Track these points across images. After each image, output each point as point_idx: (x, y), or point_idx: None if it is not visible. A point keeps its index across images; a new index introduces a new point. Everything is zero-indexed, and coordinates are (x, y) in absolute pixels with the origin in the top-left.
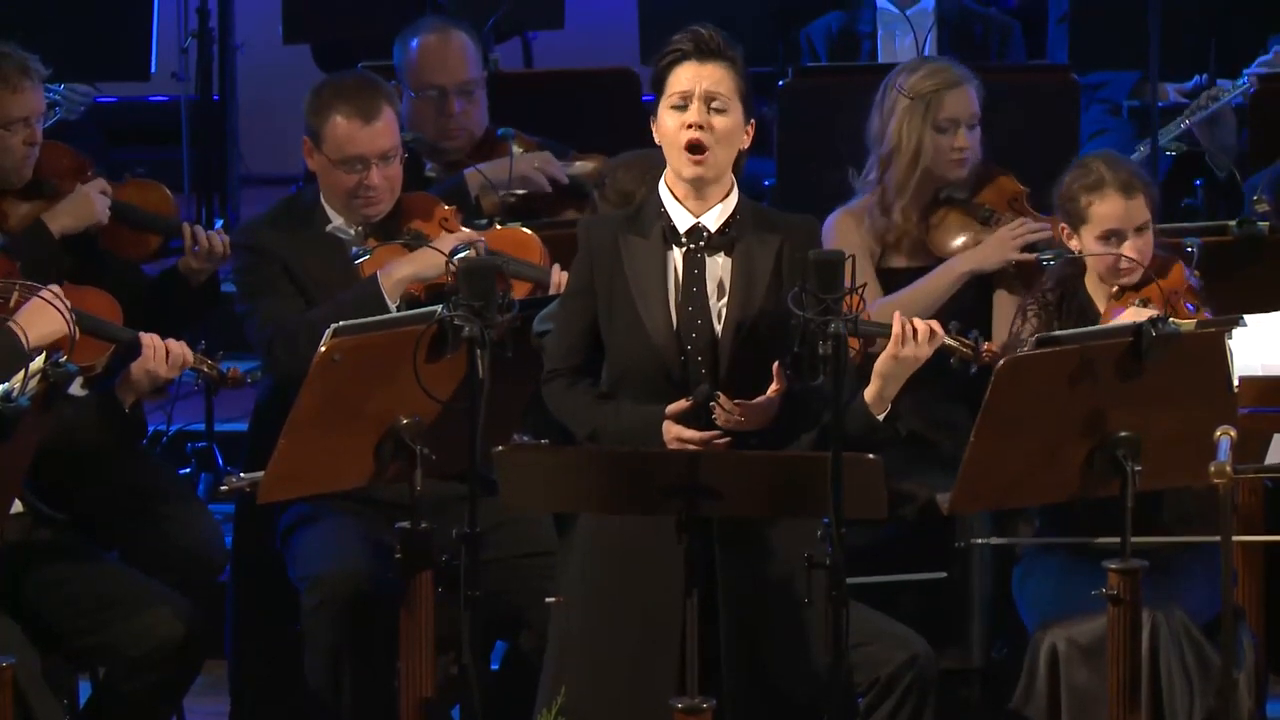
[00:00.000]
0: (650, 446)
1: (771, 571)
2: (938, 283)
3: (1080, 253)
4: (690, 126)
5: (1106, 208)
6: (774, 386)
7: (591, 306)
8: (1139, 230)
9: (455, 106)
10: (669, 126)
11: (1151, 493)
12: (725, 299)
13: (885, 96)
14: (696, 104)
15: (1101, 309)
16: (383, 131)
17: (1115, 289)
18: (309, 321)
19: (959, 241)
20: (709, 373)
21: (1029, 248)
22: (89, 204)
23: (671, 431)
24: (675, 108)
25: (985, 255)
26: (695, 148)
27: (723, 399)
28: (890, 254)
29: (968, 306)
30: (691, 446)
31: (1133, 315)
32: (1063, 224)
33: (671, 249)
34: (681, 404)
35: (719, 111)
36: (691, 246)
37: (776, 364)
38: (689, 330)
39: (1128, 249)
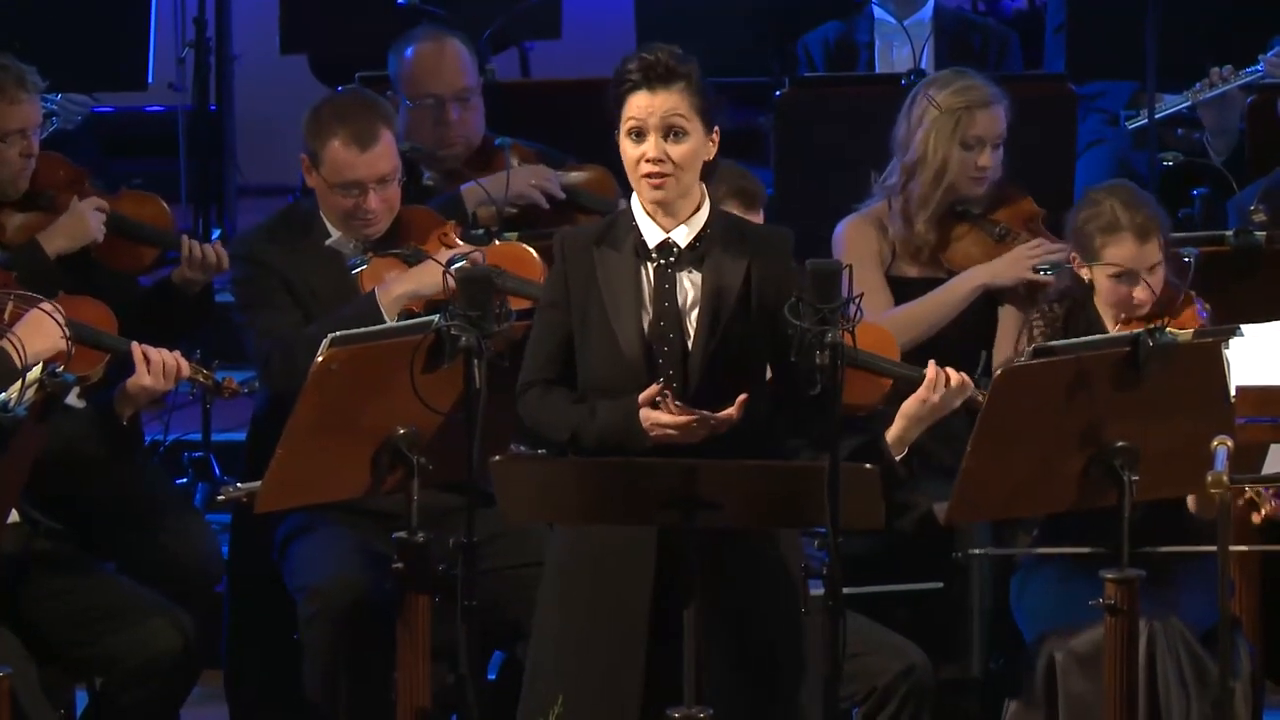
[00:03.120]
0: (631, 439)
1: (769, 582)
2: (950, 295)
3: (1092, 283)
4: (649, 160)
5: (1121, 252)
6: (728, 411)
7: (567, 319)
8: (1151, 270)
9: (452, 114)
10: (628, 154)
11: (1149, 502)
12: (696, 312)
13: (915, 105)
14: (653, 136)
15: (1110, 328)
16: (380, 156)
17: (1121, 318)
18: (307, 337)
19: (971, 255)
20: (680, 385)
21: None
22: (84, 223)
23: (650, 418)
24: (631, 136)
25: (1000, 270)
26: (655, 176)
27: (669, 400)
28: (901, 262)
29: (972, 320)
30: (671, 431)
31: None
32: (1074, 253)
33: (644, 263)
34: (653, 389)
35: (677, 137)
36: (661, 262)
37: (742, 397)
38: (660, 343)
39: (1139, 292)
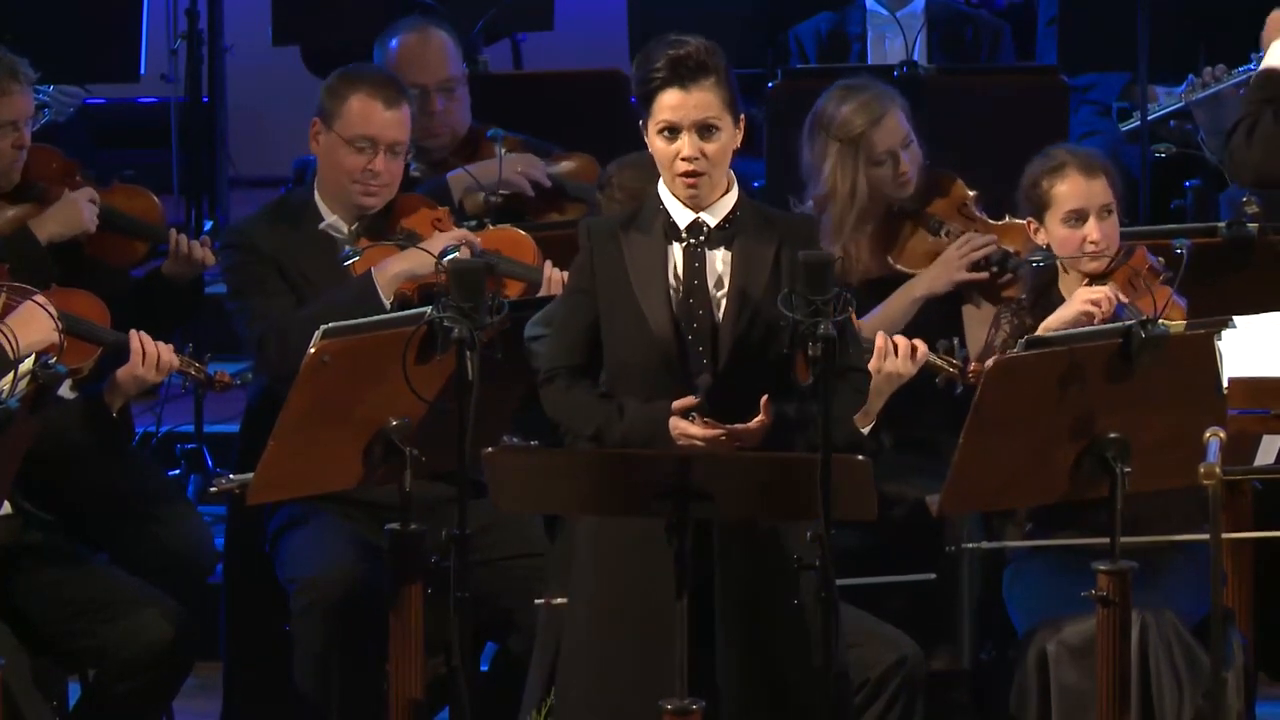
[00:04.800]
0: (656, 445)
1: (770, 573)
2: (893, 309)
3: (1049, 247)
4: (685, 159)
5: (1067, 187)
6: (759, 419)
7: (593, 305)
8: (1102, 213)
9: (437, 104)
10: (661, 151)
11: (1141, 494)
12: (725, 290)
13: (814, 136)
14: (687, 135)
15: None
16: (398, 120)
17: (1085, 281)
18: (301, 318)
19: (916, 251)
20: (709, 363)
21: (982, 264)
22: (77, 212)
23: (678, 428)
24: (664, 134)
25: (935, 278)
26: (691, 175)
27: (700, 417)
28: (850, 273)
29: (936, 322)
30: (698, 443)
31: (1083, 296)
32: (1029, 219)
33: (672, 244)
34: (689, 400)
35: (711, 134)
36: (692, 241)
37: (765, 398)
38: (690, 321)
39: (1090, 230)
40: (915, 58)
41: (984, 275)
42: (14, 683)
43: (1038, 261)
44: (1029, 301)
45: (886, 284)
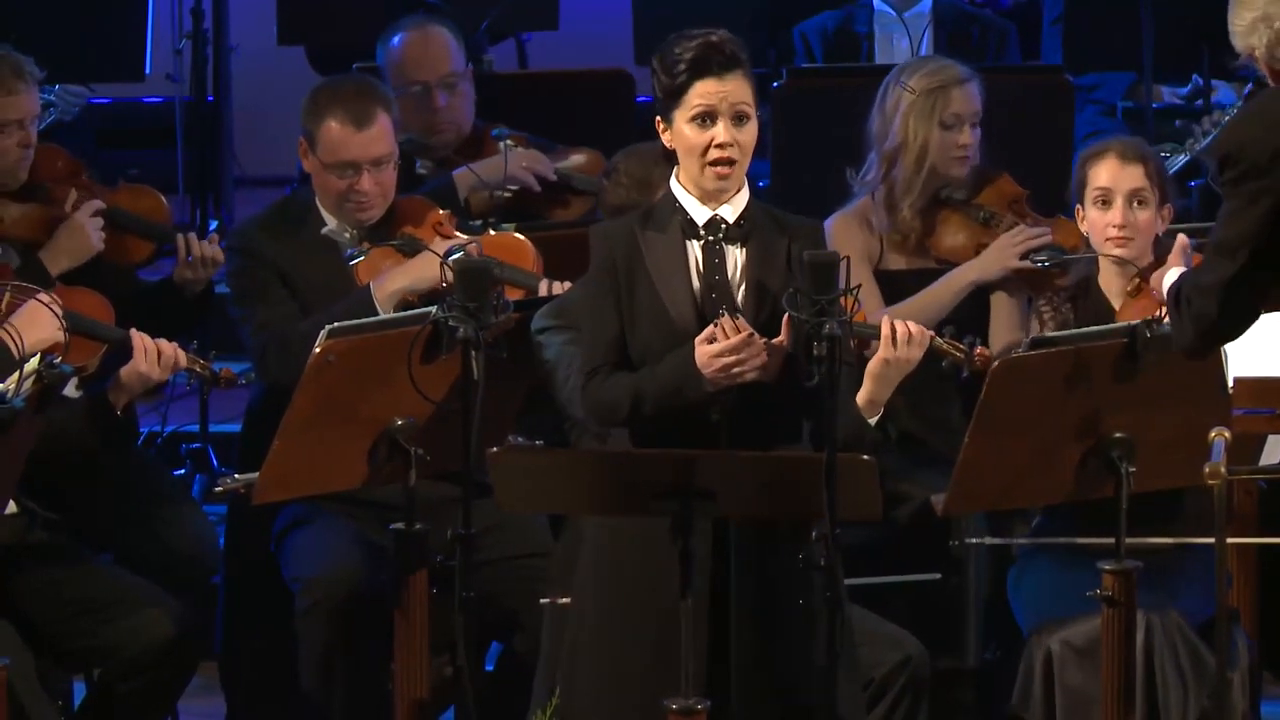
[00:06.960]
0: (690, 385)
1: (779, 572)
2: (942, 293)
3: (1075, 251)
4: (720, 145)
5: (1099, 169)
6: (780, 338)
7: (619, 306)
8: (1131, 199)
9: (439, 100)
10: (691, 140)
11: (1146, 494)
12: (744, 284)
13: (888, 94)
14: (723, 121)
15: (1116, 305)
16: (376, 138)
17: (1131, 287)
18: (302, 332)
19: (958, 241)
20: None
21: (1029, 253)
22: (84, 238)
23: (704, 353)
24: (697, 122)
25: (987, 265)
26: (724, 164)
27: (723, 324)
28: (889, 256)
29: (965, 308)
30: (729, 359)
31: None
32: (1078, 204)
33: (690, 240)
34: (710, 329)
35: (744, 123)
36: (710, 238)
37: (786, 316)
38: (712, 314)
39: (1115, 215)
40: (925, 55)
41: (1036, 266)
42: (19, 682)
43: (1041, 262)
44: (1069, 294)
45: (922, 275)
